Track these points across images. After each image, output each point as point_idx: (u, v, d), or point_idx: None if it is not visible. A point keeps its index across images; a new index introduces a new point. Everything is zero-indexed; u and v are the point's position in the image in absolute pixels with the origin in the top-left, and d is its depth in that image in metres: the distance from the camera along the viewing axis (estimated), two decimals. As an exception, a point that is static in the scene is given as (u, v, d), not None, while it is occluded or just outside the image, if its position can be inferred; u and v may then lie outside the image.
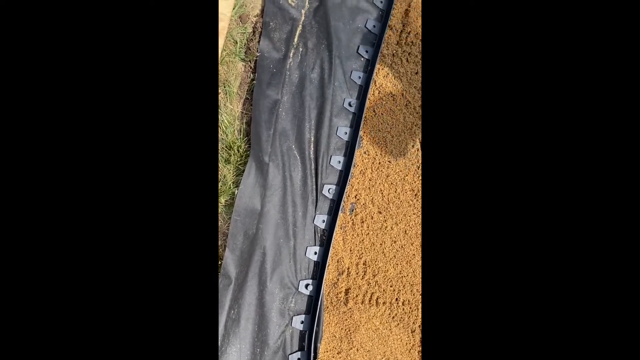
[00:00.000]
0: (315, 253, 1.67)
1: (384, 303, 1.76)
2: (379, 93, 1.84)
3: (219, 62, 1.51)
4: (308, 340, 1.62)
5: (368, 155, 1.80)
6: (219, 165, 1.53)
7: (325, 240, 1.69)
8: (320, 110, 1.73)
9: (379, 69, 1.84)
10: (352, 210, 1.75)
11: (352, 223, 1.75)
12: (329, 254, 1.67)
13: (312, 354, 1.61)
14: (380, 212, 1.78)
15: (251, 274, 1.53)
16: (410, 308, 1.80)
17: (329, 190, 1.72)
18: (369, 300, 1.74)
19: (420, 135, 1.87)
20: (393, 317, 1.77)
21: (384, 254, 1.78)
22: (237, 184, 1.53)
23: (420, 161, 1.86)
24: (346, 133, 1.77)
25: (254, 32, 1.64)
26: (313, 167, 1.70)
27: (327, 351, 1.66)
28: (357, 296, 1.72)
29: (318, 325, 1.62)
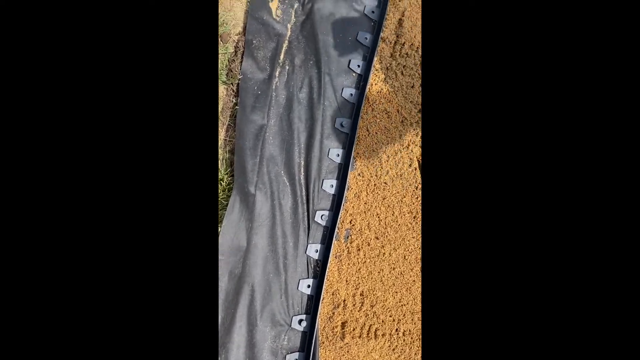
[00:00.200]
0: (309, 286, 1.57)
1: (383, 335, 1.66)
2: (372, 110, 1.72)
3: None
4: (303, 378, 1.52)
5: (362, 177, 1.69)
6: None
7: (319, 271, 1.59)
8: (310, 132, 1.62)
9: (372, 84, 1.73)
10: (348, 237, 1.65)
11: (348, 251, 1.64)
12: (324, 286, 1.56)
13: (308, 393, 1.51)
14: (377, 238, 1.68)
15: (239, 315, 1.42)
16: (411, 338, 1.70)
17: (321, 216, 1.61)
18: (367, 333, 1.63)
19: (418, 154, 1.76)
20: (393, 349, 1.67)
21: (382, 283, 1.67)
22: (220, 220, 1.42)
23: (418, 181, 1.75)
24: (338, 155, 1.66)
25: (235, 52, 1.52)
26: (304, 193, 1.59)
27: (324, 388, 1.56)
28: (354, 329, 1.62)
29: (314, 362, 1.52)
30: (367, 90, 1.69)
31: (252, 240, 1.47)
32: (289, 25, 1.64)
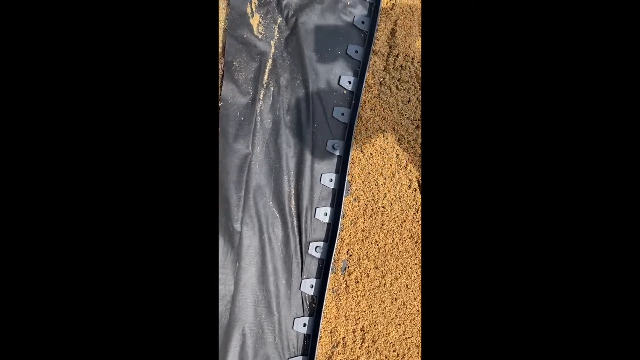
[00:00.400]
0: (305, 325, 1.45)
1: (387, 371, 1.54)
2: (366, 130, 1.60)
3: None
4: (303, 423, 1.41)
5: (358, 202, 1.56)
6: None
7: (315, 308, 1.47)
8: (299, 157, 1.49)
9: (364, 101, 1.60)
10: (345, 269, 1.53)
11: (346, 284, 1.52)
12: (321, 324, 1.45)
13: None
14: (377, 267, 1.56)
15: (229, 365, 1.31)
16: (418, 372, 1.59)
17: (315, 248, 1.49)
18: (370, 371, 1.52)
19: (417, 174, 1.64)
20: (399, 386, 1.56)
21: (384, 315, 1.55)
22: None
23: (418, 203, 1.63)
24: (331, 180, 1.54)
25: (214, 74, 1.40)
26: (295, 224, 1.47)
27: None
28: (356, 368, 1.50)
29: (313, 406, 1.41)
30: (359, 108, 1.57)
31: (240, 280, 1.35)
32: (272, 42, 1.51)
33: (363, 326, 1.52)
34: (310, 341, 1.44)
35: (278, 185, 1.45)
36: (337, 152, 1.54)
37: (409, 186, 1.61)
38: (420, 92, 1.66)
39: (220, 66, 1.39)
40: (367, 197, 1.56)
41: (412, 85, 1.66)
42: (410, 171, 1.62)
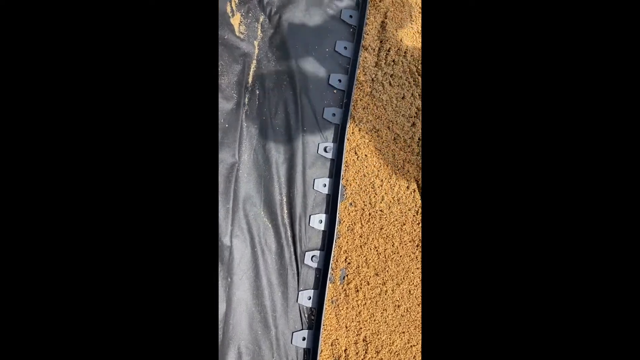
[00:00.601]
0: (304, 338, 1.38)
1: (393, 382, 1.48)
2: (359, 130, 1.52)
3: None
4: None
5: (355, 207, 1.49)
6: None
7: (314, 320, 1.40)
8: (290, 163, 1.41)
9: (356, 100, 1.52)
10: (344, 278, 1.45)
11: (345, 294, 1.45)
12: (321, 337, 1.38)
13: None
14: (377, 274, 1.48)
15: (225, 387, 1.24)
16: (425, 380, 1.52)
17: (312, 258, 1.42)
18: (375, 383, 1.45)
19: (415, 174, 1.56)
20: (406, 397, 1.49)
21: (387, 324, 1.48)
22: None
23: (418, 205, 1.55)
24: (325, 185, 1.46)
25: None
26: (289, 233, 1.40)
27: None
28: (360, 381, 1.44)
29: (317, 422, 1.34)
30: (351, 107, 1.48)
31: (233, 296, 1.28)
32: (255, 43, 1.42)
33: (365, 336, 1.45)
34: (310, 355, 1.37)
35: (269, 194, 1.37)
36: (329, 156, 1.46)
37: (407, 187, 1.53)
38: (414, 87, 1.58)
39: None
40: (363, 201, 1.49)
41: (405, 80, 1.57)
42: (408, 171, 1.54)
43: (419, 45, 1.61)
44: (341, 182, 1.44)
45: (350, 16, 1.53)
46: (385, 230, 1.49)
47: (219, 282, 1.24)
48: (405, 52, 1.58)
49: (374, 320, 1.45)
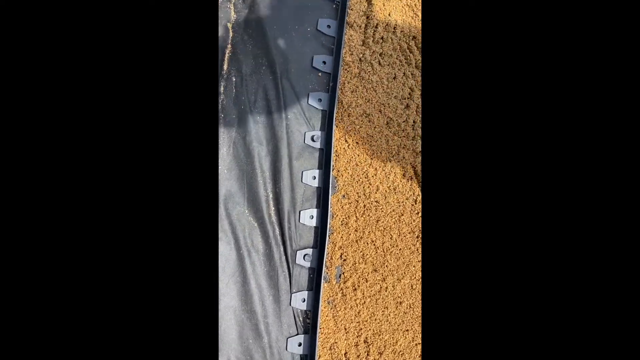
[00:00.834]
0: (300, 344, 1.27)
1: (398, 384, 1.38)
2: (349, 116, 1.39)
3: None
4: None
5: (348, 199, 1.37)
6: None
7: (310, 324, 1.30)
8: (274, 156, 1.29)
9: (343, 83, 1.39)
10: (340, 276, 1.35)
11: (342, 293, 1.34)
12: (318, 342, 1.27)
13: None
14: (375, 270, 1.38)
15: (214, 404, 1.14)
16: (432, 380, 1.42)
17: (304, 257, 1.31)
18: (379, 387, 1.36)
19: (411, 160, 1.44)
20: (413, 399, 1.39)
21: (389, 323, 1.38)
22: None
23: (416, 193, 1.43)
24: (315, 177, 1.34)
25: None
26: (277, 232, 1.28)
27: None
28: (363, 385, 1.34)
29: None
30: (338, 91, 1.36)
31: (220, 304, 1.17)
32: (229, 25, 1.29)
33: (366, 338, 1.34)
34: (307, 362, 1.27)
35: (253, 190, 1.25)
36: (317, 145, 1.34)
37: (404, 175, 1.42)
38: (406, 66, 1.45)
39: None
40: (357, 193, 1.37)
41: (396, 59, 1.44)
42: (404, 158, 1.42)
43: (409, 19, 1.48)
44: (332, 173, 1.33)
45: (333, -9, 1.40)
46: (382, 222, 1.37)
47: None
48: (394, 28, 1.45)
49: (375, 320, 1.35)
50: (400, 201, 1.40)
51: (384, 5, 1.44)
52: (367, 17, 1.42)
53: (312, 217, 1.31)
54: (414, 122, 1.43)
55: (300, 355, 1.26)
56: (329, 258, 1.32)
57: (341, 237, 1.34)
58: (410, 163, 1.41)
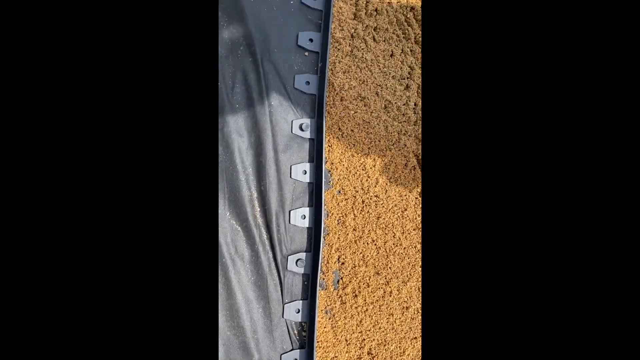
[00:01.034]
0: (295, 361, 1.13)
1: (408, 398, 1.24)
2: (342, 100, 1.23)
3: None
4: None
5: (344, 194, 1.22)
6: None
7: (306, 337, 1.15)
8: (257, 149, 1.13)
9: (334, 62, 1.23)
10: (338, 282, 1.20)
11: (342, 301, 1.19)
12: (315, 356, 1.13)
13: None
14: (378, 273, 1.22)
15: None
16: (445, 391, 1.28)
17: (296, 262, 1.15)
18: (387, 403, 1.21)
19: (414, 147, 1.28)
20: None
21: (395, 331, 1.23)
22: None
23: (420, 185, 1.28)
24: (305, 172, 1.18)
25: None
26: (265, 235, 1.13)
27: None
28: (368, 402, 1.20)
29: None
30: (328, 72, 1.19)
31: (200, 322, 1.02)
32: (199, 0, 1.12)
33: (370, 349, 1.20)
34: (305, 381, 1.12)
35: (234, 190, 1.09)
36: (307, 135, 1.18)
37: (406, 164, 1.26)
38: (404, 41, 1.28)
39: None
40: (354, 187, 1.21)
41: (393, 33, 1.27)
42: (405, 145, 1.26)
43: (406, -11, 1.30)
44: (324, 166, 1.17)
45: (318, -42, 1.22)
46: (384, 219, 1.22)
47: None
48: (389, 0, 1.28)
49: (379, 328, 1.20)
50: (403, 195, 1.24)
51: (376, -28, 1.27)
52: (358, -13, 1.24)
53: (304, 217, 1.15)
54: (415, 104, 1.27)
55: (297, 373, 1.12)
56: (325, 262, 1.16)
57: (338, 237, 1.18)
58: (413, 151, 1.25)
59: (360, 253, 1.20)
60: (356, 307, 1.18)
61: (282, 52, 1.15)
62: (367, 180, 1.21)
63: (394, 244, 1.23)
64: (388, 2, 1.27)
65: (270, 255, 1.11)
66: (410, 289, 1.23)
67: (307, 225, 1.15)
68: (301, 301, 1.13)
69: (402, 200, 1.24)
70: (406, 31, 1.28)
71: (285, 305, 1.12)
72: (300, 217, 1.15)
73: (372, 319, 1.19)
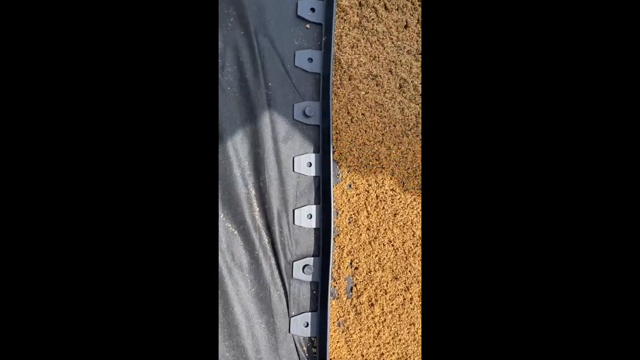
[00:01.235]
0: (305, 382, 0.99)
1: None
2: (350, 79, 1.06)
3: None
4: None
5: (356, 189, 1.06)
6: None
7: (316, 354, 1.00)
8: (253, 139, 0.97)
9: (340, 36, 1.06)
10: (351, 290, 1.05)
11: (356, 311, 1.04)
12: (329, 376, 0.99)
13: None
14: (396, 278, 1.07)
15: None
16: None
17: (303, 268, 1.00)
18: (410, 423, 1.08)
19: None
20: None
21: (417, 342, 1.09)
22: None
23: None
24: (310, 164, 1.02)
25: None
26: (266, 239, 0.98)
27: None
28: None
29: None
30: (334, 47, 1.03)
31: (192, 344, 0.87)
32: (179, -37, 0.95)
33: (390, 364, 1.05)
34: (317, 404, 0.98)
35: (228, 187, 0.94)
36: (311, 121, 1.01)
37: (425, 152, 1.10)
38: (420, 9, 1.11)
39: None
40: (366, 181, 1.05)
41: (407, 0, 1.10)
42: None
43: (420, -51, 1.13)
44: (332, 156, 1.01)
45: None
46: (401, 216, 1.06)
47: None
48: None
49: (400, 340, 1.06)
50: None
51: None
52: (366, -53, 1.07)
53: (311, 216, 1.00)
54: (433, 83, 1.10)
55: (307, 395, 0.98)
56: (336, 268, 1.01)
57: (349, 238, 1.03)
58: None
59: (376, 256, 1.04)
60: (372, 318, 1.03)
61: (280, 25, 0.98)
62: (381, 172, 1.05)
63: (413, 244, 1.07)
64: (401, -36, 1.09)
65: (273, 261, 0.96)
66: (433, 294, 1.09)
67: (314, 226, 1.00)
68: (310, 313, 0.98)
69: (421, 194, 1.08)
70: (422, -2, 1.10)
71: (292, 318, 0.97)
72: (306, 217, 0.99)
73: (390, 330, 1.05)
